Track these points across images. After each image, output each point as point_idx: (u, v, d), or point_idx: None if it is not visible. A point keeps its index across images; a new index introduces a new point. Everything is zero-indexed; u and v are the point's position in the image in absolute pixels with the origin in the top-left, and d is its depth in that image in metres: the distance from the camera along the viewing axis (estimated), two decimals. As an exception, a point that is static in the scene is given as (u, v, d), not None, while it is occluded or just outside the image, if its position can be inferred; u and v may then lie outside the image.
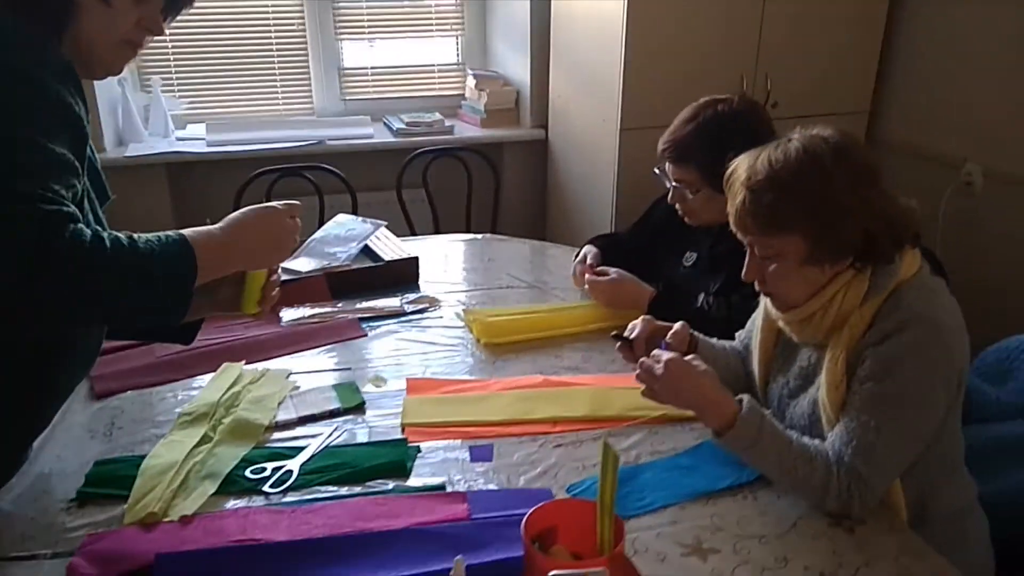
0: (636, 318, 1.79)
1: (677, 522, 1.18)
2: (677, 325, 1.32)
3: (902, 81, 2.86)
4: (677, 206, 1.81)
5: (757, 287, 1.26)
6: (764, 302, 1.35)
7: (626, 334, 1.40)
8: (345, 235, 2.23)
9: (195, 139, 3.05)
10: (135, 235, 1.01)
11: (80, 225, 0.95)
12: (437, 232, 3.06)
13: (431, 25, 3.43)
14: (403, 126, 3.21)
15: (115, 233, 0.99)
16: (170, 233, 1.05)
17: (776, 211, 1.15)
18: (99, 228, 0.98)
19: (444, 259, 2.26)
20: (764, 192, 1.15)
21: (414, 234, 2.94)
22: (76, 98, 1.03)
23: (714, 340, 1.49)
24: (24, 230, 0.90)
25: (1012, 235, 2.49)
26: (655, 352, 1.23)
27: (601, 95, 2.73)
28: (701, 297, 1.80)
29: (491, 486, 1.26)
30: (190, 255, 1.03)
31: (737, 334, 1.51)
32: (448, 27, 3.45)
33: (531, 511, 1.00)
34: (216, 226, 1.12)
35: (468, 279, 2.12)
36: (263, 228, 1.16)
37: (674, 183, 1.77)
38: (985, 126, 2.54)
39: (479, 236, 2.48)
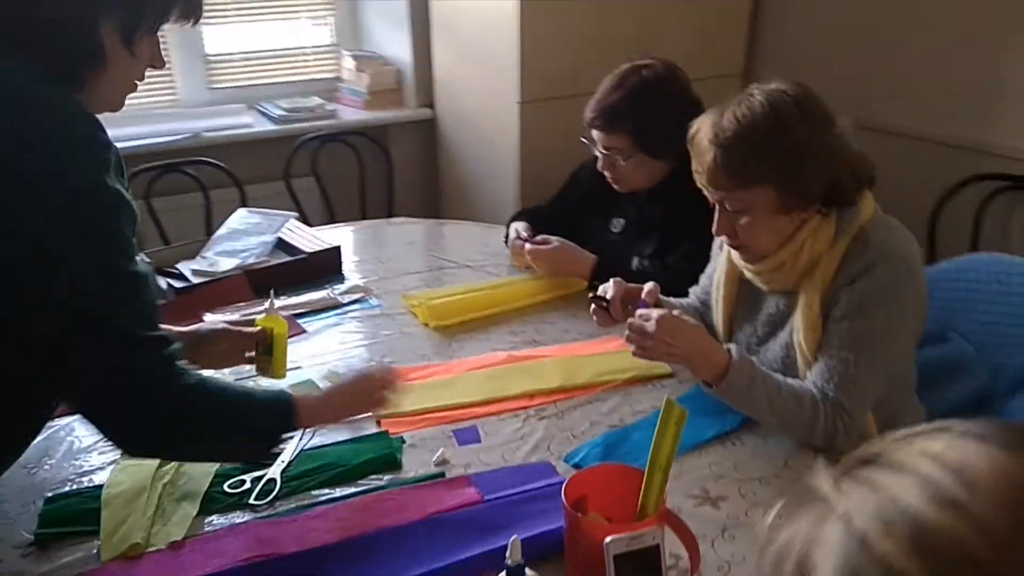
0: (579, 286, 1.83)
1: (680, 475, 1.20)
2: (649, 285, 1.34)
3: (771, 41, 3.03)
4: (607, 173, 1.83)
5: (727, 242, 1.30)
6: (725, 256, 1.40)
7: (598, 298, 1.41)
8: (253, 230, 2.11)
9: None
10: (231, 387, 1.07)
11: (181, 370, 1.00)
12: (332, 221, 2.96)
13: (299, 6, 3.27)
14: (283, 112, 3.05)
15: (214, 383, 1.03)
16: (280, 394, 1.11)
17: (748, 165, 1.18)
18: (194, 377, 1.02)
19: (363, 247, 2.18)
20: (735, 148, 1.18)
21: (308, 224, 2.81)
22: (125, 184, 1.00)
23: (670, 299, 1.52)
24: (133, 375, 0.97)
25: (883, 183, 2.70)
26: (641, 311, 1.24)
27: (495, 70, 2.71)
28: (635, 261, 1.84)
29: (488, 467, 1.24)
30: (291, 415, 1.08)
31: (692, 290, 1.56)
32: (318, 8, 3.30)
33: (566, 482, 0.99)
34: (323, 393, 1.20)
35: (394, 265, 2.06)
36: (357, 393, 1.20)
37: (604, 151, 1.79)
38: (854, 81, 2.74)
39: (395, 220, 2.42)
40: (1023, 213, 2.26)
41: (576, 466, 1.22)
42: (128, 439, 1.01)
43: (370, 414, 1.27)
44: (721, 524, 1.10)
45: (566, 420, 1.36)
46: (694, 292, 1.56)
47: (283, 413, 1.07)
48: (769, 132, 1.18)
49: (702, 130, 1.24)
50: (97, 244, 0.93)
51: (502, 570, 0.91)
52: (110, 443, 1.03)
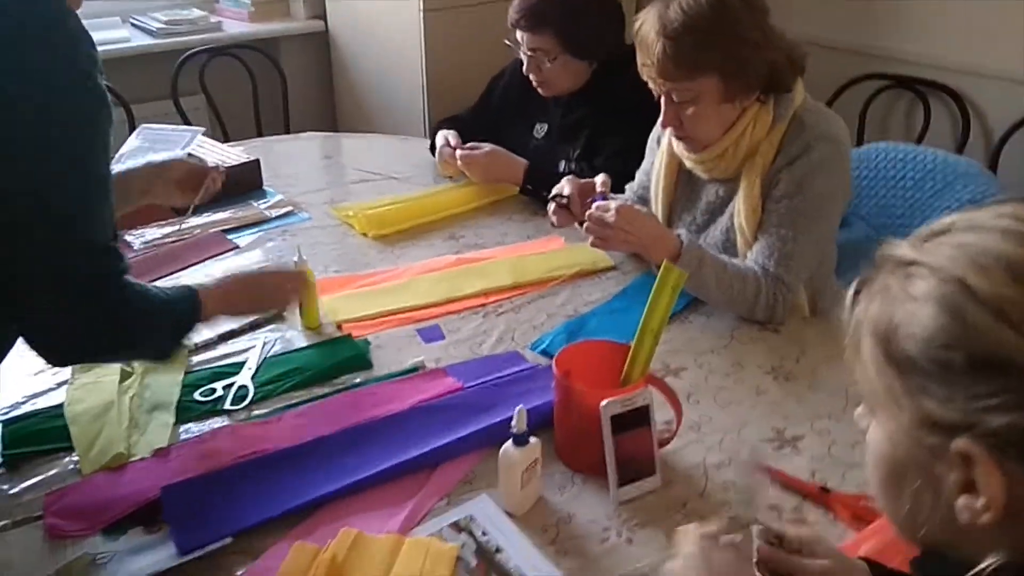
0: (511, 192, 1.86)
1: (640, 353, 1.28)
2: (601, 176, 1.39)
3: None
4: (532, 76, 1.84)
5: (674, 133, 1.36)
6: (664, 148, 1.46)
7: (559, 198, 1.44)
8: (160, 146, 1.99)
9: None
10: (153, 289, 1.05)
11: (127, 279, 0.98)
12: (227, 140, 2.82)
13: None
14: (162, 25, 2.85)
15: (144, 287, 1.03)
16: (185, 290, 1.10)
17: (696, 55, 1.24)
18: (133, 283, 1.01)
19: (279, 162, 2.10)
20: (683, 38, 1.23)
21: (204, 145, 2.67)
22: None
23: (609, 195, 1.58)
24: (89, 282, 0.94)
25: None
26: (599, 203, 1.29)
27: (393, -23, 2.63)
28: (563, 164, 1.89)
29: (459, 360, 1.27)
30: (198, 309, 1.09)
31: (628, 187, 1.62)
32: (190, -91, 3.06)
33: (556, 356, 1.04)
34: (224, 281, 1.17)
35: (316, 178, 2.01)
36: (262, 289, 1.23)
37: (529, 52, 1.80)
38: None
39: (305, 135, 2.34)
40: (902, 109, 2.46)
41: (544, 352, 1.28)
42: (66, 347, 0.99)
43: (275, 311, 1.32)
44: (686, 391, 1.19)
45: (523, 314, 1.40)
46: (630, 188, 1.62)
47: (193, 309, 1.09)
48: (715, 22, 1.23)
49: (647, 23, 1.28)
50: (82, 142, 0.90)
51: (503, 442, 0.96)
52: (40, 353, 0.98)
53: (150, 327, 1.03)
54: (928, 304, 0.49)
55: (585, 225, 1.30)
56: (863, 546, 0.87)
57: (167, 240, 1.66)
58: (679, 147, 1.40)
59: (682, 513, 0.97)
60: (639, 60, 1.31)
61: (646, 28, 1.28)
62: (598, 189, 1.35)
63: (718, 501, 0.99)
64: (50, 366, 1.13)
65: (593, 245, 1.31)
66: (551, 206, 1.42)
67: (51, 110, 0.88)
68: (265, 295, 1.25)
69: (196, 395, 1.18)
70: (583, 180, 1.43)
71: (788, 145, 1.30)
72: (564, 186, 1.41)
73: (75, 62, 0.88)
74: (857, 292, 0.55)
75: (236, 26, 3.03)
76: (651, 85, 1.32)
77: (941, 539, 0.53)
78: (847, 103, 2.39)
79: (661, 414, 1.06)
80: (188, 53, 2.75)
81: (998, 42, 2.22)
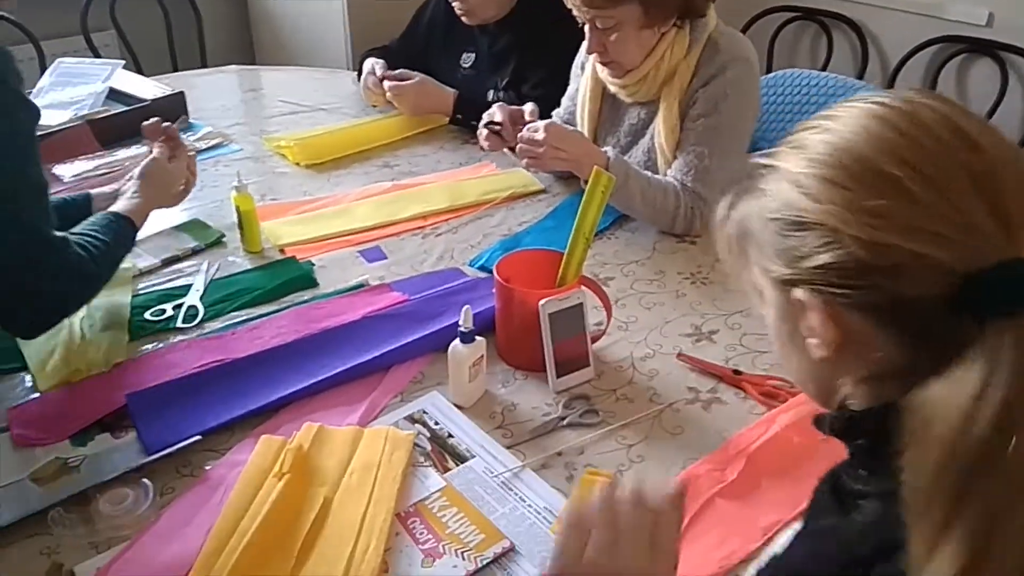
0: (441, 122, 1.91)
1: (571, 265, 1.37)
2: (529, 105, 1.46)
3: None
4: (456, 5, 1.87)
5: (598, 59, 1.43)
6: (588, 74, 1.54)
7: (491, 124, 1.50)
8: (79, 80, 1.95)
9: None
10: (94, 237, 1.07)
11: (73, 250, 1.02)
12: (141, 75, 2.75)
13: None
14: (65, -43, 2.73)
15: (85, 241, 1.06)
16: (117, 219, 1.14)
17: (618, -18, 1.31)
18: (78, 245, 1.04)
19: (203, 95, 2.09)
20: (606, -32, 1.30)
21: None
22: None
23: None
24: (46, 270, 0.99)
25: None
26: (530, 125, 1.37)
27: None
28: (491, 93, 1.94)
29: (402, 276, 1.34)
30: (134, 231, 1.17)
31: (555, 113, 1.69)
32: None
33: (496, 264, 1.12)
34: (133, 190, 1.23)
35: (242, 111, 2.01)
36: (162, 178, 1.30)
37: (453, -21, 1.83)
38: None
39: (229, 68, 2.32)
40: (807, 39, 2.60)
41: (482, 268, 1.36)
42: (34, 329, 1.04)
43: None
44: (614, 296, 1.29)
45: (460, 234, 1.47)
46: (557, 114, 1.69)
47: (129, 229, 1.16)
48: (635, -49, 1.30)
49: (573, -48, 1.34)
50: (11, 149, 0.94)
51: (449, 345, 1.04)
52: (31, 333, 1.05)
53: (102, 275, 1.08)
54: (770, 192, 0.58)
55: (518, 147, 1.37)
56: (779, 418, 1.00)
57: (97, 172, 1.65)
58: (603, 72, 1.47)
59: (613, 397, 1.08)
60: (564, -14, 1.37)
61: (570, -43, 1.34)
62: (527, 118, 1.42)
63: (644, 387, 1.10)
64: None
65: (527, 167, 1.38)
66: (482, 131, 1.49)
67: None
68: (167, 182, 1.32)
69: (147, 315, 1.21)
70: (512, 107, 1.49)
71: (704, 67, 1.39)
72: (495, 112, 1.48)
73: None
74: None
75: (144, -42, 2.92)
76: (575, 13, 1.39)
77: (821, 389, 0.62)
78: (757, 35, 2.51)
79: (593, 316, 1.16)
80: (95, -14, 2.65)
81: (894, -24, 2.36)
